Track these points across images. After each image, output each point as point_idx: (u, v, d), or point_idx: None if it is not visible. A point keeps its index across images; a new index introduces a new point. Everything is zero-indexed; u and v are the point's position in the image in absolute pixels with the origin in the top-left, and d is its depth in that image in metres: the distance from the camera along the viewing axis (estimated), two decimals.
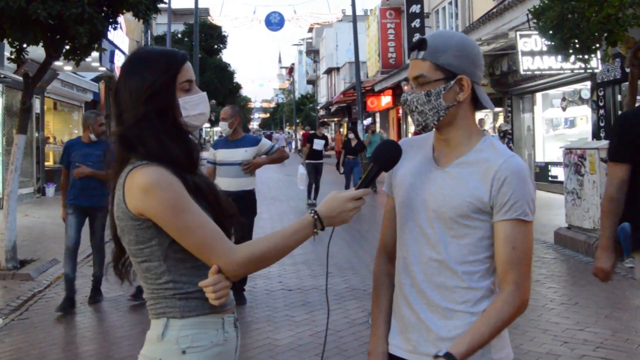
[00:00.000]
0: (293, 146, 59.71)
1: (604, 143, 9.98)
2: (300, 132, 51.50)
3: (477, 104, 2.14)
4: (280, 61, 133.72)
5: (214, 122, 63.85)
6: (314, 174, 16.83)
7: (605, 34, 8.61)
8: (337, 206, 2.04)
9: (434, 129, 2.16)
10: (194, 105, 2.10)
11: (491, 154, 2.05)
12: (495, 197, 1.99)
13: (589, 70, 11.15)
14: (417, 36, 14.49)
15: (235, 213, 2.20)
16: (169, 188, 1.95)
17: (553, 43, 9.04)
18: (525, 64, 14.79)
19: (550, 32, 8.93)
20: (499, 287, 2.04)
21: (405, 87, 2.20)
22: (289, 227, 2.04)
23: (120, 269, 2.18)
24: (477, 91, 2.10)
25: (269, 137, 50.37)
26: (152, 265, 2.01)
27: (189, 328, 2.00)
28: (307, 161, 16.90)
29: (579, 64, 9.59)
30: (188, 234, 1.95)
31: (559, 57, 9.85)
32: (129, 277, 2.20)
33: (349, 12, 31.05)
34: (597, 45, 8.82)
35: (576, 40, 8.66)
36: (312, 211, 2.05)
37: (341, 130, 48.59)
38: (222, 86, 37.38)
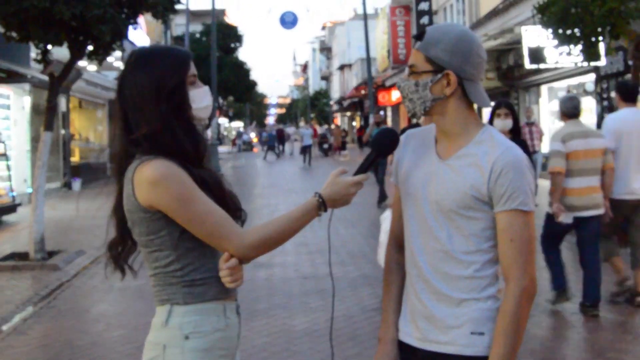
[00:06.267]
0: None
1: None
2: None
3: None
4: (294, 58, 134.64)
5: (232, 118, 63.92)
6: None
7: (609, 28, 8.79)
8: (340, 190, 2.13)
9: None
10: (200, 98, 2.18)
11: (490, 145, 2.05)
12: (493, 188, 2.01)
13: (593, 64, 11.31)
14: None
15: (240, 207, 2.26)
16: (177, 180, 2.01)
17: (557, 37, 9.25)
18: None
19: (554, 26, 9.13)
20: (503, 277, 2.07)
21: (404, 75, 2.38)
22: (295, 210, 2.13)
23: (116, 257, 2.24)
24: (466, 87, 2.08)
25: (281, 133, 43.12)
26: (161, 255, 2.09)
27: (191, 314, 2.08)
28: None
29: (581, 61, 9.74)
30: (198, 223, 2.02)
31: (564, 49, 10.02)
32: (125, 267, 2.27)
33: (360, 10, 31.23)
34: (601, 38, 9.01)
35: (577, 31, 8.84)
36: (317, 194, 2.14)
37: (354, 123, 47.41)
38: (239, 83, 37.74)
